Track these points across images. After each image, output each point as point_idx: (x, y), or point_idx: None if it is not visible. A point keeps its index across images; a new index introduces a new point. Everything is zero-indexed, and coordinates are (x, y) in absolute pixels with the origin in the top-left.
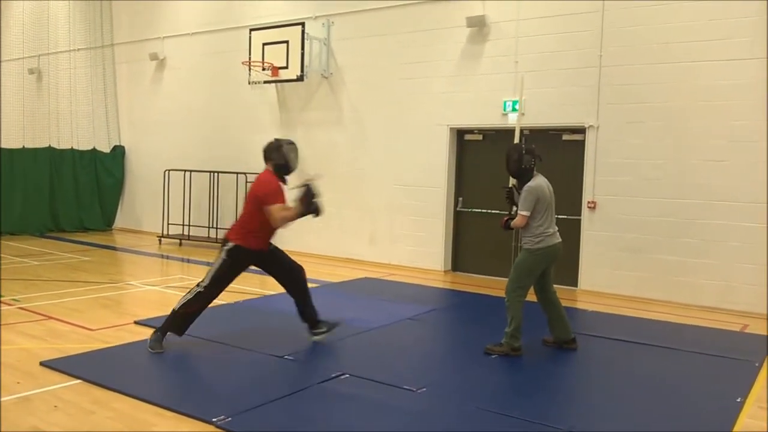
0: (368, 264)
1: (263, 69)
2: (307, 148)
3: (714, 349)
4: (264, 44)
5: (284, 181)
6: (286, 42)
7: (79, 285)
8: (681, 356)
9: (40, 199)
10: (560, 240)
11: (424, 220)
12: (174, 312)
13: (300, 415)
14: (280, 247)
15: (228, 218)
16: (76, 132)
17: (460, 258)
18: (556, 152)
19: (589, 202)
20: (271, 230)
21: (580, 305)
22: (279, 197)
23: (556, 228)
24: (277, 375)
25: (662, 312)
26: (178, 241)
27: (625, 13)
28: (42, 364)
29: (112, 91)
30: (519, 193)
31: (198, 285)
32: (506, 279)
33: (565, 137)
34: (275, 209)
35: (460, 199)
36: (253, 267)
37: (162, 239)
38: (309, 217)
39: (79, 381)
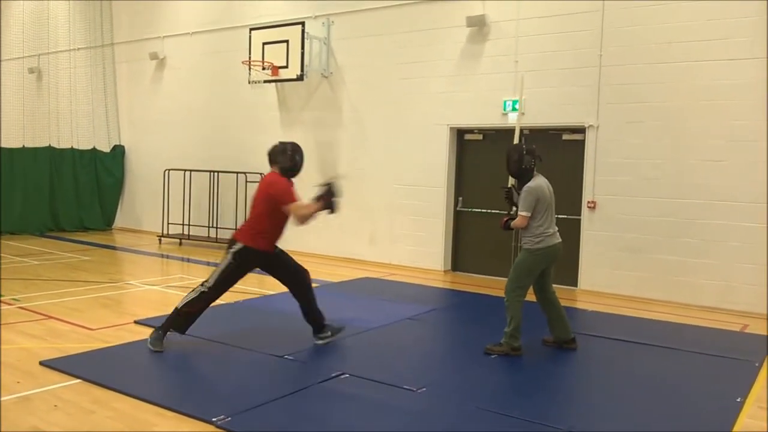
0: (368, 264)
1: (263, 68)
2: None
3: (714, 349)
4: (264, 44)
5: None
6: (286, 41)
7: (79, 284)
8: (681, 356)
9: (40, 198)
10: (560, 240)
11: (424, 220)
12: (176, 310)
13: (300, 415)
14: (281, 246)
15: (228, 218)
16: (76, 131)
17: (460, 258)
18: (556, 152)
19: (588, 202)
20: (279, 232)
21: (579, 305)
22: (294, 195)
23: (556, 228)
24: (277, 375)
25: (662, 312)
26: (178, 240)
27: (624, 13)
28: (42, 363)
29: (112, 90)
30: (518, 194)
31: (202, 285)
32: (506, 279)
33: (565, 137)
34: (295, 206)
35: (460, 198)
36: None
37: (162, 239)
38: (323, 213)
39: (79, 381)
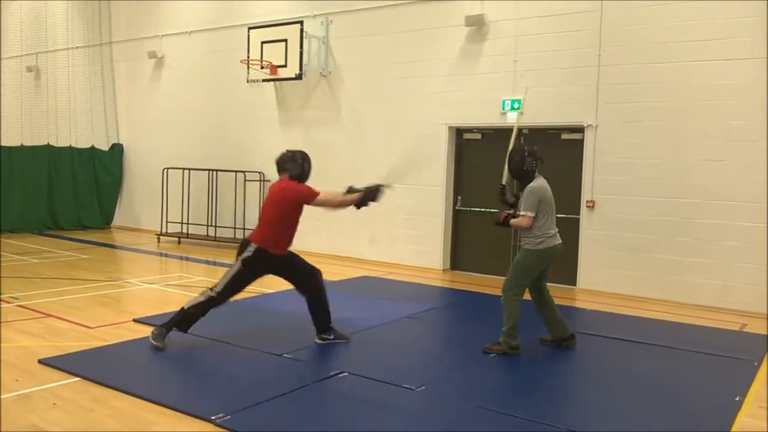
0: (367, 263)
1: (262, 67)
2: (306, 148)
3: (712, 348)
4: (262, 43)
5: None
6: (285, 40)
7: (77, 283)
8: (679, 355)
9: (39, 197)
10: (560, 242)
11: (423, 219)
12: (183, 310)
13: (299, 414)
14: None
15: (226, 216)
16: (75, 130)
17: (459, 257)
18: (555, 151)
19: (587, 201)
20: (291, 236)
21: (578, 304)
22: (314, 189)
23: (557, 230)
24: (276, 373)
25: (660, 311)
26: (176, 239)
27: (623, 13)
28: (41, 361)
29: (111, 89)
30: (514, 194)
31: (211, 290)
32: (505, 278)
33: (564, 136)
34: (325, 194)
35: (459, 197)
36: None
37: (160, 237)
38: (350, 207)
39: (78, 379)
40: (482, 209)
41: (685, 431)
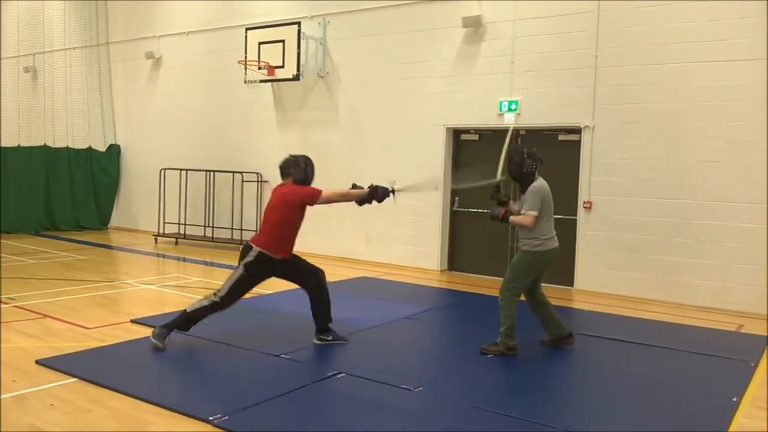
0: (365, 263)
1: (259, 68)
2: (303, 148)
3: (710, 349)
4: (260, 43)
5: None
6: (282, 41)
7: (75, 283)
8: (677, 356)
9: (36, 197)
10: (558, 245)
11: (420, 220)
12: (186, 313)
13: (296, 414)
14: None
15: (224, 217)
16: (72, 130)
17: (456, 257)
18: (552, 152)
19: (584, 202)
20: (293, 239)
21: (576, 305)
22: (316, 188)
23: (555, 232)
24: (273, 374)
25: (658, 312)
26: (174, 240)
27: (621, 14)
28: (38, 362)
29: (108, 89)
30: (505, 194)
31: (215, 294)
32: (502, 279)
33: (561, 137)
34: (327, 191)
35: (457, 198)
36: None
37: (158, 238)
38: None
39: (75, 379)
40: (479, 210)
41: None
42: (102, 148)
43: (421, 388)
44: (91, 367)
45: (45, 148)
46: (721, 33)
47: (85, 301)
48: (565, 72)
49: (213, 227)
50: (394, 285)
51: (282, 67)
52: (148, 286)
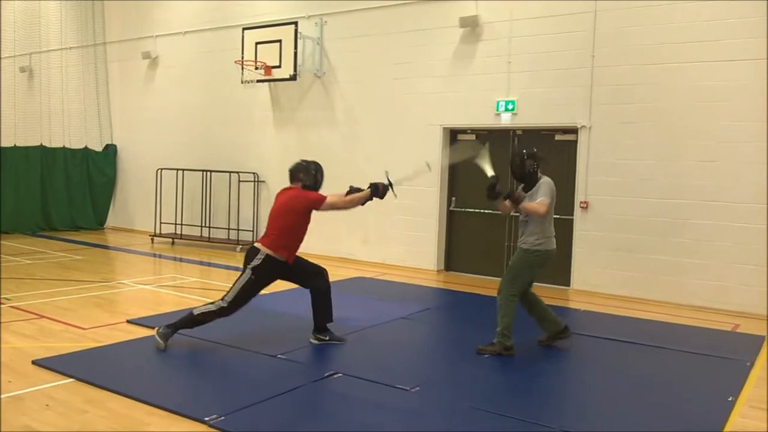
0: (362, 263)
1: (256, 68)
2: (300, 148)
3: (706, 348)
4: (257, 43)
5: None
6: (279, 41)
7: (71, 284)
8: (673, 356)
9: (32, 197)
10: (555, 247)
11: (417, 220)
12: (192, 315)
13: (293, 415)
14: None
15: (220, 217)
16: (68, 130)
17: (453, 257)
18: (549, 152)
19: (581, 202)
20: (299, 242)
21: (572, 305)
22: (321, 194)
23: (554, 233)
24: (270, 374)
25: (655, 312)
26: (170, 240)
27: (617, 14)
28: (34, 363)
29: (104, 89)
30: (503, 193)
31: (222, 299)
32: (499, 278)
33: (558, 137)
34: (332, 198)
35: (453, 198)
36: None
37: (154, 238)
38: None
39: (71, 380)
40: (476, 210)
41: (677, 431)
42: (98, 148)
43: (417, 388)
44: (87, 367)
45: (41, 148)
46: (718, 33)
47: (81, 302)
48: (562, 72)
49: (210, 227)
50: (391, 285)
51: (279, 67)
52: (145, 287)
